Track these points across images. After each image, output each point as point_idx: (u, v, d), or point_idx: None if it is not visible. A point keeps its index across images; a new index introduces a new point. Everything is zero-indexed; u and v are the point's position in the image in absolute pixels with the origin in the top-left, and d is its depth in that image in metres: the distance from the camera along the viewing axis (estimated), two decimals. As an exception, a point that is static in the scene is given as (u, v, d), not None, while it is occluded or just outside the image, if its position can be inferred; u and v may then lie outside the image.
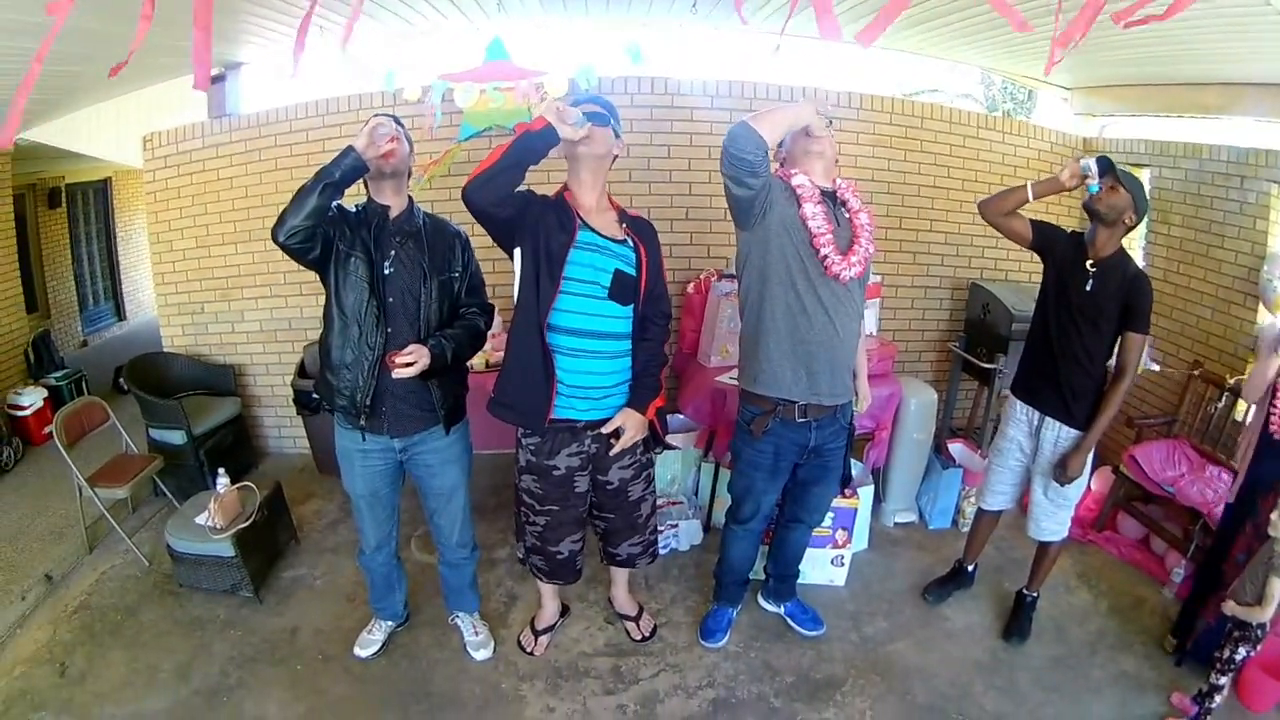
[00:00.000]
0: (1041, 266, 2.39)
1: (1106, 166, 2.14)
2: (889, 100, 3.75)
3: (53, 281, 5.53)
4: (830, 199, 2.01)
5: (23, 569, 2.86)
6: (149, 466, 3.06)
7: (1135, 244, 3.65)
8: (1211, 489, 2.78)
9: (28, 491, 3.52)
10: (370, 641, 2.46)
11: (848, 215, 2.05)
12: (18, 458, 3.80)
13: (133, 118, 4.53)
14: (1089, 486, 2.72)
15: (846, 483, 2.41)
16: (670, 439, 2.81)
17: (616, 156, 2.05)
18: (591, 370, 2.00)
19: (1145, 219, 2.70)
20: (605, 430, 2.07)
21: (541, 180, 2.22)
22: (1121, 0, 1.32)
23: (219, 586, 2.70)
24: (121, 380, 4.28)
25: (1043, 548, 2.54)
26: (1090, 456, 2.31)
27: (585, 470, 2.13)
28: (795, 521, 2.43)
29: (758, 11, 3.14)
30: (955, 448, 3.34)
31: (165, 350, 3.85)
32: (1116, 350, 2.22)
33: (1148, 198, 2.33)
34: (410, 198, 2.05)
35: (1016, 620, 2.60)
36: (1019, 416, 2.45)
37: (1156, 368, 3.26)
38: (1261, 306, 3.03)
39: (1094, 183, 2.13)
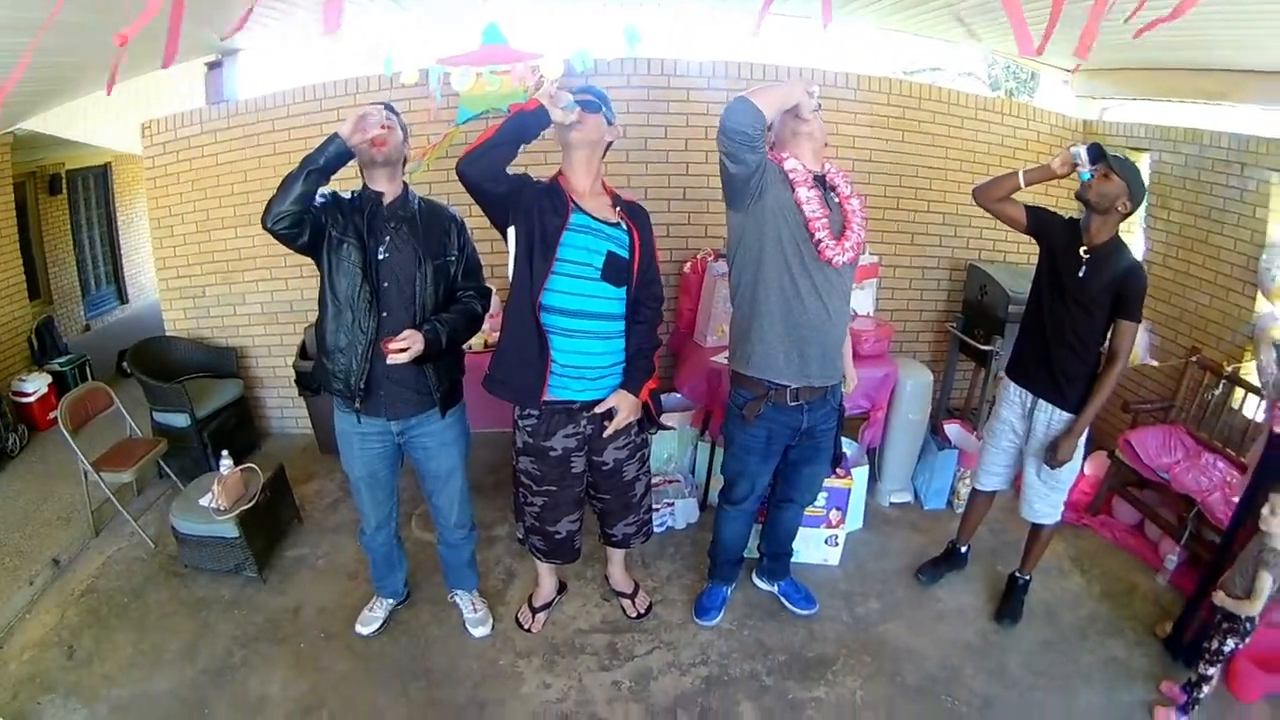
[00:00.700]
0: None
1: (1097, 154, 2.13)
2: (886, 81, 3.73)
3: (54, 268, 5.54)
4: (820, 183, 2.02)
5: (30, 554, 2.91)
6: (153, 450, 3.10)
7: (1135, 228, 3.63)
8: (1207, 476, 2.78)
9: (34, 477, 3.56)
10: (372, 619, 2.51)
11: (838, 200, 2.05)
12: (23, 444, 3.83)
13: (130, 105, 4.52)
14: (1082, 470, 2.72)
15: (838, 462, 2.43)
16: (666, 418, 2.82)
17: (611, 143, 2.05)
18: (585, 350, 2.03)
19: (1144, 204, 2.68)
20: (598, 411, 2.09)
21: (539, 162, 2.23)
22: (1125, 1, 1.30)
23: (223, 567, 2.74)
24: (125, 364, 4.31)
25: (1035, 530, 2.56)
26: (1083, 440, 2.32)
27: (581, 451, 2.16)
28: (787, 501, 2.45)
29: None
30: (951, 429, 3.36)
31: (167, 334, 3.88)
32: (1109, 336, 2.22)
33: (1145, 183, 2.31)
34: (405, 184, 2.06)
35: (1008, 603, 2.62)
36: (1012, 398, 2.46)
37: (1155, 363, 3.24)
38: (1260, 294, 3.02)
39: (1085, 170, 2.13)
